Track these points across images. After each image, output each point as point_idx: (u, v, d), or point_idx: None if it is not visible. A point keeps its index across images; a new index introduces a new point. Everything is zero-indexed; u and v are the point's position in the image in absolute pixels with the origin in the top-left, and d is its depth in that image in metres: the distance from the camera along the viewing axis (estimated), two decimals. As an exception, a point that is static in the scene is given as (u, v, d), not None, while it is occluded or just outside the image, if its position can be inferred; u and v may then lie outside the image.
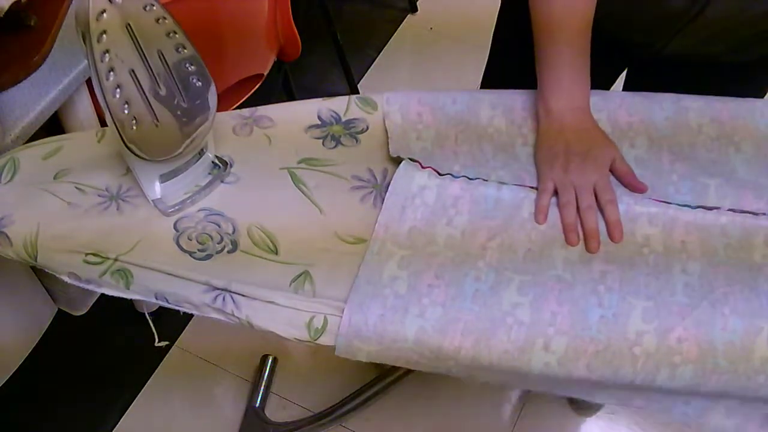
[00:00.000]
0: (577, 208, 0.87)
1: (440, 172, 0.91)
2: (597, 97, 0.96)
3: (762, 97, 1.09)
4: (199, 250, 0.86)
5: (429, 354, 0.80)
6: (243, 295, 0.82)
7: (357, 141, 0.97)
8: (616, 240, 0.85)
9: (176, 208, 0.89)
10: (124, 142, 0.80)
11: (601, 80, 0.96)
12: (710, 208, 0.88)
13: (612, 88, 1.21)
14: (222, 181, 0.93)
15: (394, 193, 0.89)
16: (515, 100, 0.97)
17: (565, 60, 0.93)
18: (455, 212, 0.88)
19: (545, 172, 0.90)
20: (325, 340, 0.81)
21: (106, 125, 0.82)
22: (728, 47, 0.98)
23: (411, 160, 0.91)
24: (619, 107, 0.97)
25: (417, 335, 0.78)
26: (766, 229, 0.85)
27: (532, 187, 0.90)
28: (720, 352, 0.76)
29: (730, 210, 0.87)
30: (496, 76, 1.23)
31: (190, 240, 0.87)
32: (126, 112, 0.78)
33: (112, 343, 1.65)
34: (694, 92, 0.98)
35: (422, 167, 0.91)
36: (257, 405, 1.51)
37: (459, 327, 0.78)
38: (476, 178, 0.91)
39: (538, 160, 0.92)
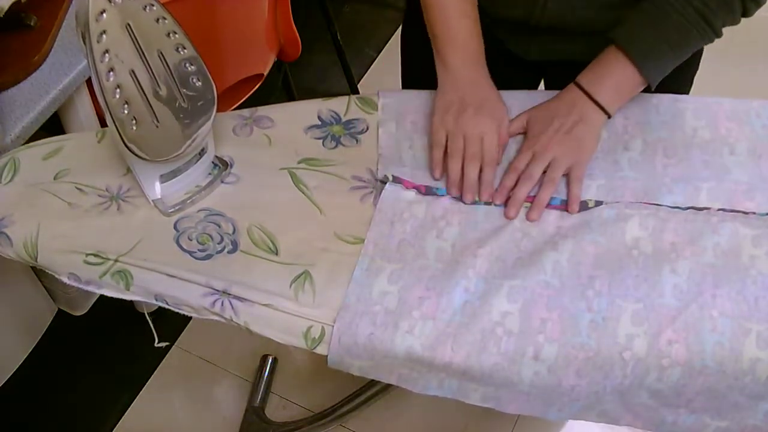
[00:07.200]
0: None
1: (428, 186, 0.91)
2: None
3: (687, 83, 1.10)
4: (199, 250, 0.86)
5: (420, 368, 0.80)
6: (242, 300, 0.82)
7: (357, 141, 0.97)
8: (483, 198, 0.89)
9: (176, 208, 0.89)
10: (124, 143, 0.80)
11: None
12: (700, 209, 0.88)
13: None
14: (222, 182, 0.93)
15: (382, 210, 0.89)
16: (512, 104, 0.97)
17: (455, 14, 0.95)
18: (445, 224, 0.88)
19: (438, 121, 0.93)
20: (321, 349, 0.81)
21: (106, 125, 0.82)
22: (597, 14, 0.97)
23: (396, 180, 0.91)
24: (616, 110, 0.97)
25: (407, 352, 0.78)
26: (756, 229, 0.85)
27: None
28: (708, 353, 0.76)
29: (720, 210, 0.87)
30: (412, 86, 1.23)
31: (191, 240, 0.87)
32: (126, 112, 0.78)
33: (112, 343, 1.65)
34: None
35: (407, 187, 0.91)
36: (257, 405, 1.51)
37: (449, 342, 0.78)
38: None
39: (433, 110, 0.94)
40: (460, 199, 0.90)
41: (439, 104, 0.94)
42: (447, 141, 0.92)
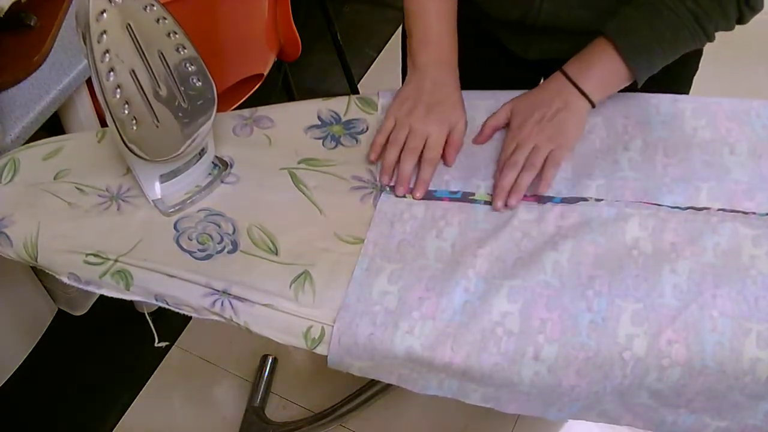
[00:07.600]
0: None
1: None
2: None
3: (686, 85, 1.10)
4: (199, 250, 0.86)
5: (420, 368, 0.80)
6: (242, 300, 0.82)
7: (357, 141, 0.97)
8: (416, 196, 0.90)
9: (176, 208, 0.89)
10: (124, 143, 0.80)
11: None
12: (700, 209, 0.88)
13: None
14: (222, 182, 0.93)
15: (382, 210, 0.89)
16: None
17: (432, 14, 0.96)
18: (445, 223, 0.88)
19: (391, 111, 0.95)
20: (321, 349, 0.81)
21: (106, 125, 0.82)
22: (593, 13, 0.96)
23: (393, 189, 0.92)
24: (615, 110, 0.97)
25: (407, 353, 0.78)
26: (756, 229, 0.85)
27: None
28: (708, 353, 0.76)
29: (720, 210, 0.87)
30: None
31: (191, 240, 0.87)
32: (126, 112, 0.78)
33: (112, 343, 1.65)
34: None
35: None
36: (257, 405, 1.51)
37: (449, 342, 0.78)
38: (461, 192, 0.91)
39: (392, 100, 0.96)
40: (393, 190, 0.91)
41: (398, 96, 0.96)
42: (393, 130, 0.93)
